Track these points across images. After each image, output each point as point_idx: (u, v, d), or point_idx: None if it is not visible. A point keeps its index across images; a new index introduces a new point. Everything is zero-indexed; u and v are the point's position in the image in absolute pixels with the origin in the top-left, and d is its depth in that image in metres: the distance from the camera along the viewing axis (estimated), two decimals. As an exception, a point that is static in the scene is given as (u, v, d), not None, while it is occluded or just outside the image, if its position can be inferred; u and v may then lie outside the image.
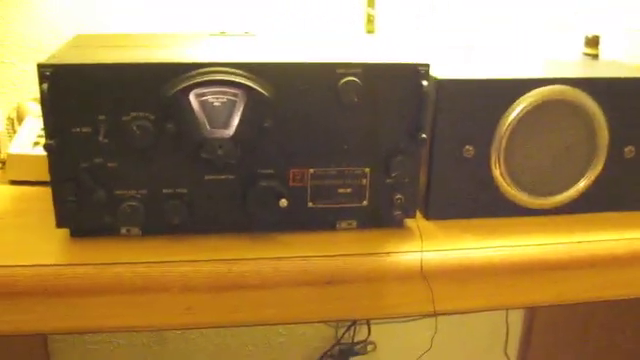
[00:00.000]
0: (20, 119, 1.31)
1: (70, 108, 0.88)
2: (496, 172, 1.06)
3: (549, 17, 1.59)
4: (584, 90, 1.05)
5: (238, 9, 1.44)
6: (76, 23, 1.41)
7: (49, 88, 0.87)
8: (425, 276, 0.96)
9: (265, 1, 1.45)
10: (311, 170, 0.96)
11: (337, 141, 0.96)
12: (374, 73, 0.94)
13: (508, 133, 1.03)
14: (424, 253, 0.96)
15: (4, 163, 1.21)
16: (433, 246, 0.98)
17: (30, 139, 1.19)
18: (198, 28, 1.38)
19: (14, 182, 1.17)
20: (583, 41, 1.36)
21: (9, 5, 1.40)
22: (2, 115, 1.38)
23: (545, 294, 1.03)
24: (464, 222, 1.07)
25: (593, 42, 1.35)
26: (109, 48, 1.01)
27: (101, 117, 0.89)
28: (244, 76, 0.90)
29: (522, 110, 1.03)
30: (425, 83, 0.95)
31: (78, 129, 0.89)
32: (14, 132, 1.31)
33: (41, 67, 0.87)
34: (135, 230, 0.97)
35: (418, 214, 1.05)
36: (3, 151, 1.26)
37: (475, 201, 1.07)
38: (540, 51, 1.43)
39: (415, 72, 0.95)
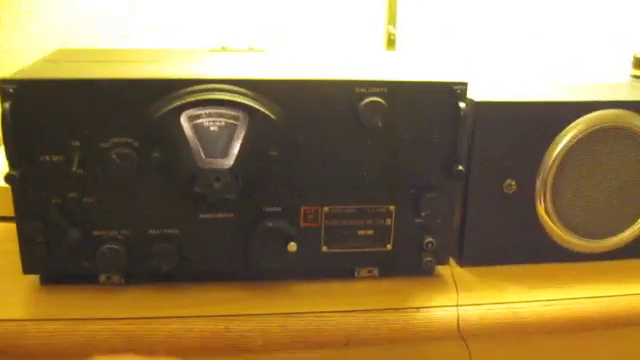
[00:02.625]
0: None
1: (38, 132, 0.77)
2: (541, 211, 0.92)
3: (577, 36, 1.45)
4: (643, 115, 0.92)
5: (242, 25, 1.30)
6: (66, 39, 1.28)
7: (12, 107, 0.75)
8: (462, 335, 0.83)
9: (272, 16, 1.31)
10: (326, 208, 0.84)
11: (357, 173, 0.83)
12: (401, 93, 0.80)
13: (556, 165, 0.91)
14: (460, 308, 0.84)
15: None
16: (471, 299, 0.86)
17: (3, 169, 1.05)
18: (198, 44, 1.24)
19: (-14, 218, 1.04)
20: (631, 62, 1.21)
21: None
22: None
23: (604, 355, 0.91)
24: (505, 269, 0.94)
25: (642, 63, 1.20)
26: (91, 63, 0.88)
27: (75, 143, 0.77)
28: (246, 95, 0.77)
29: (572, 138, 0.90)
30: (462, 105, 0.81)
31: (47, 157, 0.78)
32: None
33: (3, 83, 0.75)
34: (116, 278, 0.85)
35: (451, 260, 0.92)
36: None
37: (518, 245, 0.94)
38: (572, 70, 1.30)
39: (450, 92, 0.82)
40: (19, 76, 0.76)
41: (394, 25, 1.33)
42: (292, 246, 0.81)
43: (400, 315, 0.82)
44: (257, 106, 0.76)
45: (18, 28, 1.30)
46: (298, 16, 1.34)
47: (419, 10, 1.36)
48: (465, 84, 0.81)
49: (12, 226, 0.82)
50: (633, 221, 0.96)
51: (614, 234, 0.95)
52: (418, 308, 0.83)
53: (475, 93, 0.87)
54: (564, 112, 0.89)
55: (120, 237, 0.81)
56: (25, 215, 0.79)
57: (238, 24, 1.32)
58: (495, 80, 1.07)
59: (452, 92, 0.81)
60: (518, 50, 1.43)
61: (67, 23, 1.29)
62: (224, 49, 1.03)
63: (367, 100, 0.79)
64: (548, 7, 1.44)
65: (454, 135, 0.82)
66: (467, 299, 0.85)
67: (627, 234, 0.96)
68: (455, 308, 0.83)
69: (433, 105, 0.81)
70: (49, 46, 1.29)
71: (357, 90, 0.79)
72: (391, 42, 1.32)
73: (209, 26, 1.32)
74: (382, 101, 0.79)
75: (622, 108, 0.91)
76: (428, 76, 0.83)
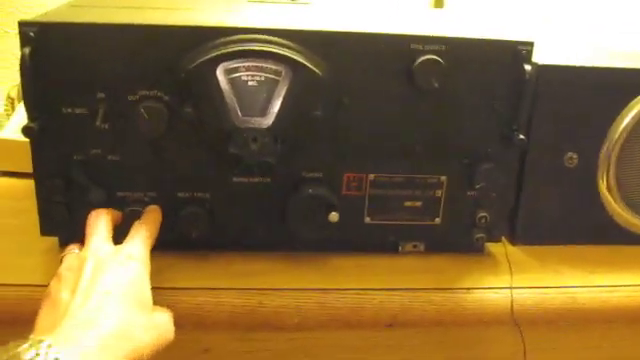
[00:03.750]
0: (21, 98, 1.12)
1: (60, 81, 0.71)
2: (603, 188, 0.85)
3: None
4: None
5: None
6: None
7: (32, 53, 0.68)
8: (516, 321, 0.76)
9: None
10: (371, 176, 0.78)
11: (407, 139, 0.76)
12: (461, 51, 0.73)
13: (622, 139, 0.83)
14: (514, 290, 0.77)
15: (-4, 151, 1.03)
16: (526, 282, 0.79)
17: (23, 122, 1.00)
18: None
19: (5, 173, 1.00)
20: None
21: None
22: (1, 94, 1.20)
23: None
24: (561, 250, 0.86)
25: None
26: (120, 9, 0.81)
27: (100, 95, 0.71)
28: (290, 48, 0.70)
29: None
30: (528, 67, 0.74)
31: (70, 110, 0.72)
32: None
33: (23, 26, 0.69)
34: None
35: (505, 237, 0.85)
36: (-1, 136, 1.07)
37: (576, 224, 0.87)
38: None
39: (515, 53, 0.74)
40: (41, 19, 0.70)
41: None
42: (333, 216, 0.75)
43: (449, 296, 0.76)
44: (302, 60, 0.69)
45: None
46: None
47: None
48: (531, 44, 0.74)
49: (32, 183, 0.77)
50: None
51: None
52: (469, 289, 0.76)
53: (538, 55, 0.79)
54: (635, 80, 0.82)
55: (146, 199, 0.75)
56: (44, 172, 0.74)
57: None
58: (556, 40, 0.99)
59: (517, 53, 0.73)
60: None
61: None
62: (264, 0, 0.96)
63: (423, 58, 0.71)
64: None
65: (516, 100, 0.75)
66: (521, 281, 0.78)
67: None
68: (509, 290, 0.76)
69: (495, 66, 0.74)
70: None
71: (412, 46, 0.72)
72: (439, 0, 1.24)
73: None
74: (440, 60, 0.71)
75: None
76: (490, 34, 0.75)
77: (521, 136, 0.75)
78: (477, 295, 0.76)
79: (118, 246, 0.67)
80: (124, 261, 0.64)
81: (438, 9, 1.23)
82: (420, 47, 0.72)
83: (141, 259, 0.65)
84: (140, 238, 0.68)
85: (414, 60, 0.71)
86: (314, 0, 0.99)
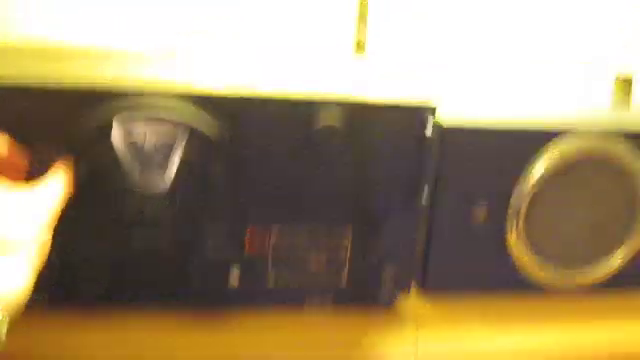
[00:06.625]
0: None
1: None
2: (512, 240, 0.85)
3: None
4: (624, 144, 0.86)
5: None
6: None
7: None
8: None
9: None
10: (275, 230, 0.76)
11: (311, 195, 0.75)
12: (361, 116, 0.73)
13: (530, 193, 0.84)
14: (420, 347, 0.77)
15: None
16: (432, 338, 0.80)
17: None
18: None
19: None
20: (613, 83, 1.14)
21: None
22: None
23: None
24: (471, 302, 0.86)
25: (625, 85, 1.13)
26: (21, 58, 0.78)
27: None
28: (185, 111, 0.69)
29: (548, 168, 0.83)
30: (428, 132, 0.74)
31: None
32: None
33: None
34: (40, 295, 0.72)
35: (413, 290, 0.84)
36: None
37: (486, 276, 0.87)
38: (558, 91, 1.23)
39: (416, 117, 0.74)
40: None
41: (365, 25, 1.23)
42: (235, 273, 0.74)
43: (353, 354, 0.76)
44: (196, 125, 0.68)
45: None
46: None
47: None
48: (434, 108, 0.74)
49: None
50: (611, 253, 0.89)
51: (591, 267, 0.89)
52: (373, 345, 0.76)
53: (444, 112, 0.79)
54: (539, 140, 0.83)
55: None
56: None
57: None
58: (466, 95, 1.00)
59: (419, 117, 0.74)
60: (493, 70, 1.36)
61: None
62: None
63: (322, 124, 0.71)
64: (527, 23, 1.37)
65: (418, 162, 0.76)
66: (428, 337, 0.78)
67: (605, 267, 0.89)
68: (414, 347, 0.76)
69: (397, 130, 0.74)
70: None
71: (310, 112, 0.71)
72: (360, 47, 1.23)
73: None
74: (338, 126, 0.71)
75: (600, 136, 0.85)
76: (393, 94, 0.75)
77: (424, 195, 0.75)
78: (381, 351, 0.76)
79: None
80: None
81: (357, 55, 1.22)
82: (319, 113, 0.71)
83: None
84: None
85: (313, 125, 0.71)
86: (232, 46, 0.96)
